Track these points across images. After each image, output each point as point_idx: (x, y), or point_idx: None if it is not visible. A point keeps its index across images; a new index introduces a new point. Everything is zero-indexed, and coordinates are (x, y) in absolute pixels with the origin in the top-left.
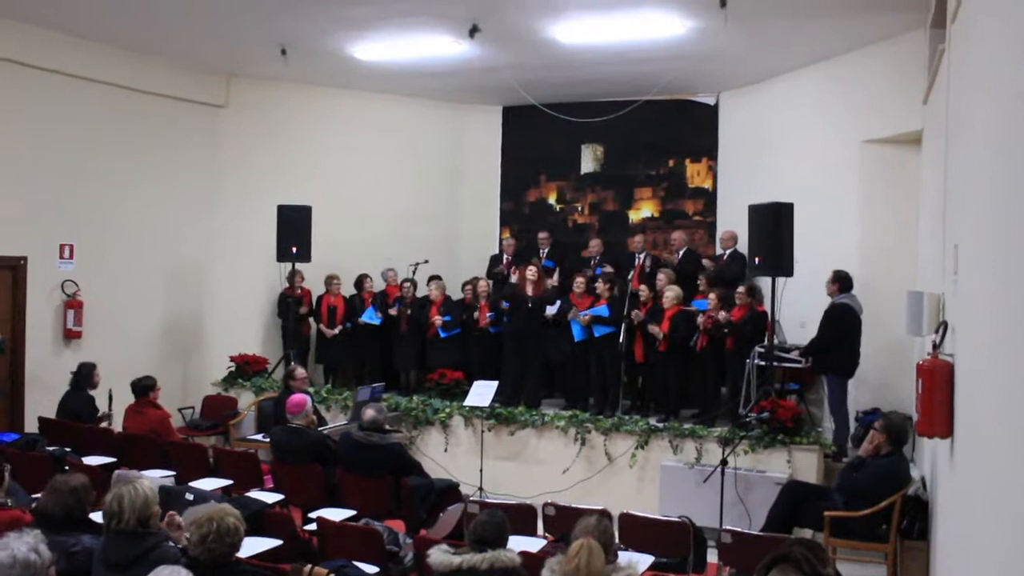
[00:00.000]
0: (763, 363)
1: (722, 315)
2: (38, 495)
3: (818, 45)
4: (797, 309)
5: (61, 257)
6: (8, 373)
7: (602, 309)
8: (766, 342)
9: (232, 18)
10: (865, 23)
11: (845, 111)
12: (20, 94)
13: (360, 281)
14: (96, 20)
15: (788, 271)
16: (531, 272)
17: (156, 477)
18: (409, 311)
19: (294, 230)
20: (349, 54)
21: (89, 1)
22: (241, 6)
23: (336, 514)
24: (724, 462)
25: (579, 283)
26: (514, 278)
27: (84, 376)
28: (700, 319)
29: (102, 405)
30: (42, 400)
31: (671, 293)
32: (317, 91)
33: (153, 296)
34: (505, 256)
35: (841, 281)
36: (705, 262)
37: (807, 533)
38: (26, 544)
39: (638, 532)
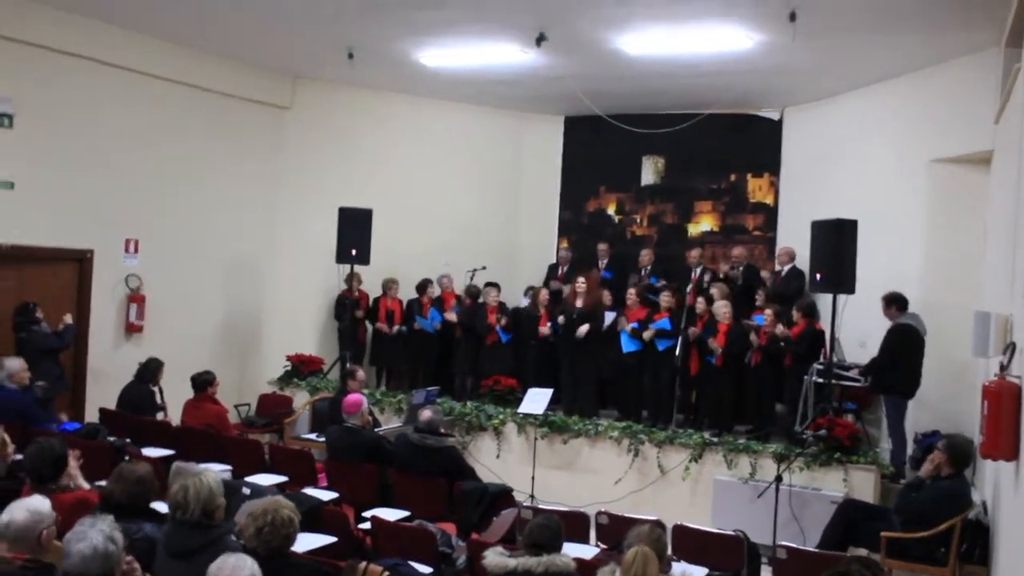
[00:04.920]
0: (821, 380)
1: (780, 329)
2: (100, 483)
3: (886, 62)
4: (857, 328)
5: (126, 251)
6: (71, 363)
7: (664, 322)
8: (823, 359)
9: (300, 21)
10: (936, 41)
11: (912, 129)
12: (93, 90)
13: (423, 286)
14: (166, 19)
15: (850, 288)
16: (579, 284)
17: (214, 471)
18: (460, 319)
19: (354, 232)
20: (415, 59)
21: (163, 1)
22: (310, 9)
23: (389, 514)
24: (779, 478)
25: (631, 294)
26: (567, 292)
27: (151, 371)
28: (753, 337)
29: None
30: (103, 391)
31: (726, 308)
32: (381, 95)
33: (213, 293)
34: (561, 268)
35: (896, 303)
36: (764, 274)
37: (863, 553)
38: (101, 533)
39: (691, 544)
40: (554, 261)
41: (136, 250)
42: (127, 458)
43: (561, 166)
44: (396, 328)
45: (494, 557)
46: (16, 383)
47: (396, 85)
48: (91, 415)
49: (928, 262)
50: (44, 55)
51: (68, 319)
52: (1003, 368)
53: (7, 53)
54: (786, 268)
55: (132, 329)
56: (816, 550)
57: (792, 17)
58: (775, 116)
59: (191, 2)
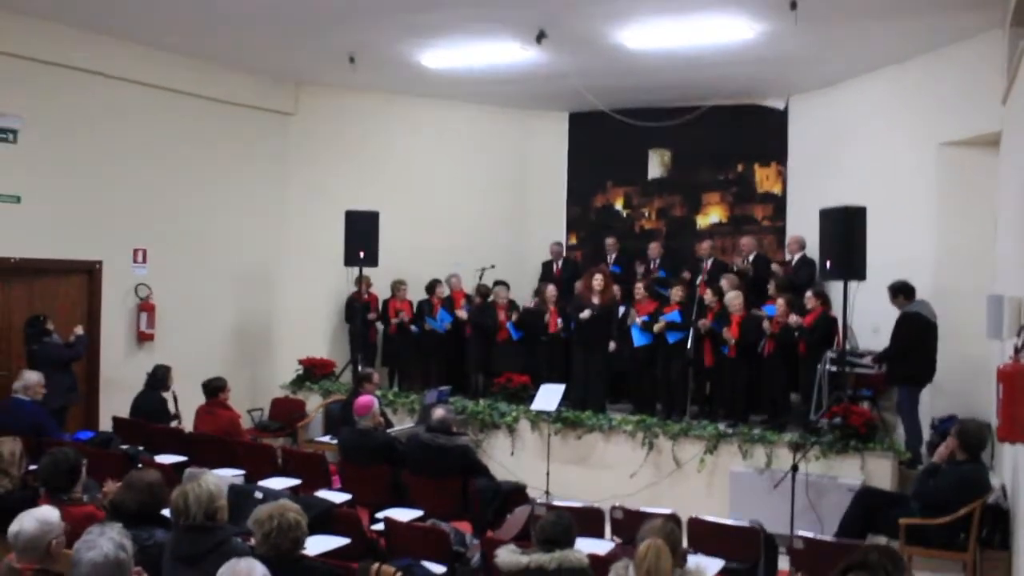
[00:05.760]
0: (835, 368)
1: (793, 319)
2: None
3: (891, 47)
4: (869, 314)
5: (135, 261)
6: (84, 374)
7: (674, 315)
8: (836, 347)
9: (301, 27)
10: (939, 24)
11: (919, 113)
12: (96, 103)
13: (432, 286)
14: (169, 30)
15: (860, 275)
16: (597, 281)
17: (226, 476)
18: (471, 318)
19: (362, 235)
20: (416, 61)
21: (163, 13)
22: (310, 15)
23: (403, 514)
24: (795, 467)
25: (639, 288)
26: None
27: (159, 378)
28: (766, 324)
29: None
30: (116, 400)
31: (738, 300)
32: (384, 98)
33: (223, 299)
34: (555, 264)
35: (903, 292)
36: (775, 266)
37: (881, 540)
38: (111, 541)
39: (707, 536)
40: (549, 258)
41: (145, 259)
42: (140, 466)
43: (567, 162)
44: (403, 318)
45: (507, 555)
46: (31, 396)
47: (399, 87)
48: (105, 424)
49: (940, 246)
50: (48, 70)
51: (79, 330)
52: (1017, 351)
53: (12, 69)
54: (796, 257)
55: (144, 338)
56: (834, 539)
57: (793, 5)
58: (780, 105)
59: (192, 13)
